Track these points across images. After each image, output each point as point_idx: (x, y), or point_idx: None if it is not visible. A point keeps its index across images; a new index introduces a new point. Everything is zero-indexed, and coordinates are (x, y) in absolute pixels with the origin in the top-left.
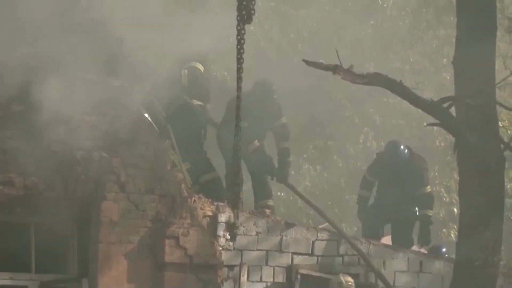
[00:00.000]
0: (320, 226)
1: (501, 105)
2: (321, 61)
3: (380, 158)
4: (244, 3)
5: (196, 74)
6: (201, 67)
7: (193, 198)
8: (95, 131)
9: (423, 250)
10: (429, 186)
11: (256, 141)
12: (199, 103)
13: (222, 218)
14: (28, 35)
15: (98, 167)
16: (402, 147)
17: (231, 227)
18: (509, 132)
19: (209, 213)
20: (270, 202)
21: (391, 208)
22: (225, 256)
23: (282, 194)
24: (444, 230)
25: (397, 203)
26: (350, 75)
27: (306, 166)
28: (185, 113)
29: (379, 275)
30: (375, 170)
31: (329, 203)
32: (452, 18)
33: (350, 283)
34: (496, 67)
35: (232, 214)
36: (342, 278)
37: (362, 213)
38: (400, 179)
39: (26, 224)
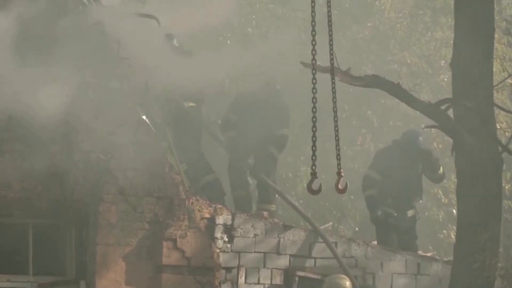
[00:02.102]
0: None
1: (498, 107)
2: (318, 63)
3: (387, 153)
4: None
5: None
6: None
7: (190, 200)
8: (93, 133)
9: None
10: (441, 168)
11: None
12: (192, 104)
13: (220, 220)
14: (27, 36)
15: (96, 169)
16: (421, 137)
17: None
18: (506, 134)
19: (207, 215)
20: (272, 207)
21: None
22: (222, 258)
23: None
24: (444, 231)
25: (399, 205)
26: (347, 77)
27: (304, 168)
28: (182, 115)
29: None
30: (382, 166)
31: (327, 204)
32: (449, 20)
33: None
34: (494, 69)
35: (230, 216)
36: (328, 280)
37: (377, 214)
38: (409, 174)
39: (24, 226)
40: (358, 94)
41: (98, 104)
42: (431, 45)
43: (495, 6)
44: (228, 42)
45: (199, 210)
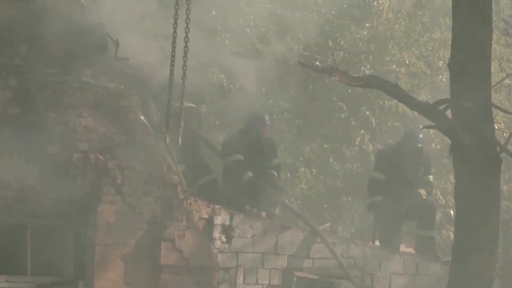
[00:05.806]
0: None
1: (497, 107)
2: (317, 63)
3: (388, 152)
4: None
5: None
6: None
7: (189, 201)
8: (91, 134)
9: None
10: (431, 176)
11: (249, 172)
12: (191, 105)
13: (218, 220)
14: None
15: (95, 170)
16: (421, 135)
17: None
18: (505, 134)
19: (205, 216)
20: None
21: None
22: (221, 259)
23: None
24: (444, 232)
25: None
26: (346, 77)
27: (302, 169)
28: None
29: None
30: (384, 165)
31: (325, 205)
32: (448, 20)
33: None
34: (492, 70)
35: (228, 217)
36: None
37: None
38: (408, 172)
39: (22, 226)
40: (356, 94)
41: (97, 104)
42: (430, 45)
43: (493, 6)
44: (227, 42)
45: (197, 211)
